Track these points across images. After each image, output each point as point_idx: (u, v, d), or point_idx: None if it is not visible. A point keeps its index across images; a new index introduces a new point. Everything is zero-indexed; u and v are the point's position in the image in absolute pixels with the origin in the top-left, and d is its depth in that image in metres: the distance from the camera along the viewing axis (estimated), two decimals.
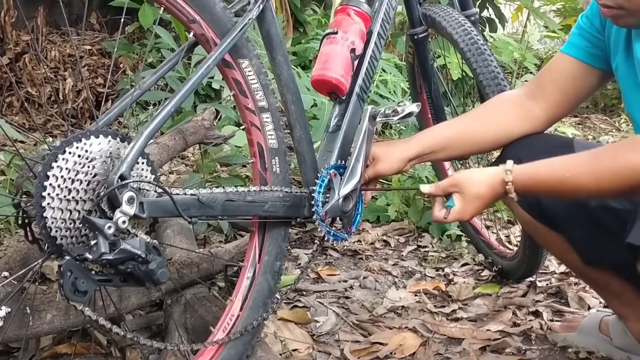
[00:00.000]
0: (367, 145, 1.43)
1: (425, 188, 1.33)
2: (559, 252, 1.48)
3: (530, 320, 1.73)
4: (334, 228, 1.42)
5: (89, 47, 4.03)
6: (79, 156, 1.07)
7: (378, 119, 1.46)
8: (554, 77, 1.44)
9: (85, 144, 1.08)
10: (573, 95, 1.44)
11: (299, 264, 2.12)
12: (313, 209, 1.37)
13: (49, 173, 1.03)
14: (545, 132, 1.48)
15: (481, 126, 1.47)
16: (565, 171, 1.18)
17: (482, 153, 1.74)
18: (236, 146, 2.67)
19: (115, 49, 3.94)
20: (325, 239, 1.40)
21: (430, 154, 1.47)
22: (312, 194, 1.38)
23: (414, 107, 1.44)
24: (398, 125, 3.13)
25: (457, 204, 1.27)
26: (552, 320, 1.72)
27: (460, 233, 2.29)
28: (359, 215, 1.46)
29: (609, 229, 1.27)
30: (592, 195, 1.20)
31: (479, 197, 1.25)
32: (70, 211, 1.06)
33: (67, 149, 1.06)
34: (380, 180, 2.60)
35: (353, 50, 1.50)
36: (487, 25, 4.77)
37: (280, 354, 1.53)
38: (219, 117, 3.11)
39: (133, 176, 1.11)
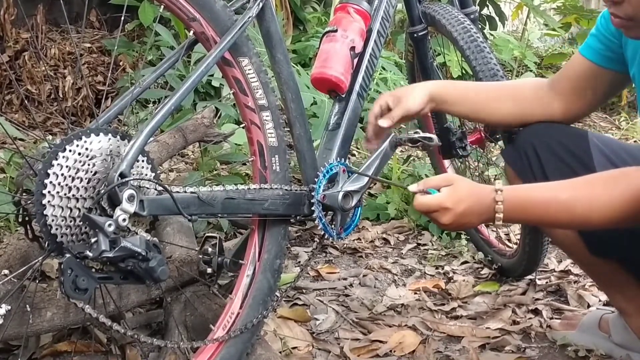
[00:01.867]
0: (379, 164, 1.47)
1: (413, 187, 1.23)
2: (567, 243, 1.47)
3: (530, 318, 1.73)
4: (328, 221, 1.42)
5: (88, 45, 4.03)
6: (79, 154, 1.07)
7: (399, 138, 1.49)
8: (571, 75, 1.46)
9: (85, 142, 1.08)
10: (588, 96, 1.45)
11: (299, 262, 2.13)
12: (314, 188, 1.38)
13: (49, 171, 1.03)
14: None
15: (501, 94, 1.49)
16: (568, 195, 1.15)
17: (492, 124, 1.70)
18: (236, 144, 2.68)
19: (115, 47, 3.94)
20: (315, 223, 1.39)
21: (443, 101, 1.47)
22: (312, 192, 1.38)
23: (434, 135, 1.47)
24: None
25: (442, 192, 1.19)
26: (551, 318, 1.72)
27: (459, 231, 2.29)
28: (352, 224, 1.47)
29: None
30: (595, 224, 1.16)
31: (466, 197, 1.19)
32: (71, 209, 1.07)
33: (67, 147, 1.06)
34: (380, 177, 2.61)
35: (353, 48, 1.50)
36: (487, 23, 4.77)
37: (280, 352, 1.53)
38: (218, 115, 3.11)
39: (133, 174, 1.11)
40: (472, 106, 1.48)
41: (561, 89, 1.46)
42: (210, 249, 1.36)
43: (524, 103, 1.47)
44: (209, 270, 1.37)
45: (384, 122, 1.42)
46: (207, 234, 1.39)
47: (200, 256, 1.37)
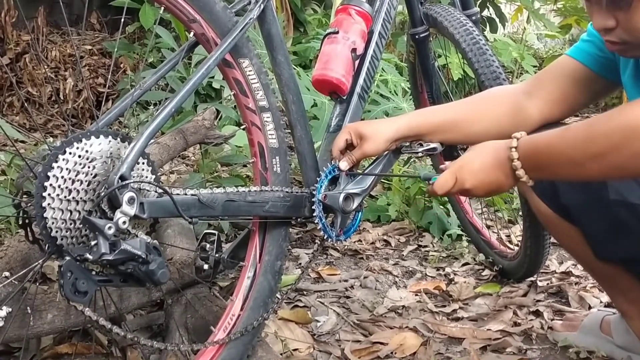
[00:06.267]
0: (383, 168, 1.46)
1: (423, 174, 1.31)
2: (571, 245, 1.46)
3: (531, 320, 1.73)
4: (328, 223, 1.42)
5: (89, 47, 4.04)
6: (80, 156, 1.07)
7: (403, 150, 1.47)
8: (557, 76, 1.43)
9: (85, 144, 1.08)
10: (572, 99, 1.42)
11: (300, 263, 2.12)
12: (315, 187, 1.38)
13: (49, 173, 1.03)
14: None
15: (473, 119, 1.46)
16: (563, 135, 1.11)
17: (469, 144, 1.71)
18: (237, 146, 2.68)
19: (116, 49, 3.95)
20: (315, 222, 1.38)
21: (417, 135, 1.45)
22: (313, 193, 1.38)
23: (437, 144, 1.45)
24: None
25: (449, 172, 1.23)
26: (552, 320, 1.72)
27: (460, 233, 2.28)
28: (353, 227, 1.46)
29: (626, 224, 1.26)
30: (594, 164, 1.09)
31: (480, 166, 1.20)
32: (71, 211, 1.06)
33: (68, 149, 1.06)
34: (382, 180, 2.61)
35: (354, 50, 1.50)
36: (487, 24, 4.77)
37: (281, 354, 1.52)
38: (219, 116, 3.11)
39: (133, 176, 1.11)
40: (448, 134, 1.46)
41: (544, 93, 1.43)
42: (208, 246, 1.36)
43: (501, 119, 1.44)
44: (206, 267, 1.36)
45: (343, 165, 1.41)
46: (206, 231, 1.39)
47: (198, 252, 1.36)
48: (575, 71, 1.40)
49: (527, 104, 1.44)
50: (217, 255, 1.34)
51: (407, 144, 1.46)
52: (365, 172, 1.46)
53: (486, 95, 1.53)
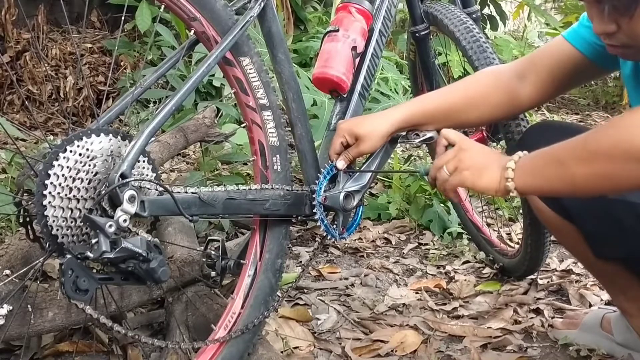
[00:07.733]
0: (380, 161, 1.46)
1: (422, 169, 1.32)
2: (570, 243, 1.47)
3: (532, 318, 1.73)
4: (329, 221, 1.42)
5: (89, 45, 4.04)
6: (80, 154, 1.07)
7: (399, 141, 1.47)
8: (551, 61, 1.43)
9: (86, 142, 1.08)
10: (563, 83, 1.44)
11: (300, 261, 2.13)
12: (315, 188, 1.38)
13: (50, 171, 1.03)
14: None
15: (468, 106, 1.47)
16: (559, 142, 1.12)
17: (462, 129, 1.69)
18: (237, 144, 2.68)
19: (116, 47, 3.94)
20: (318, 224, 1.39)
21: (413, 126, 1.46)
22: (313, 192, 1.38)
23: (434, 133, 1.45)
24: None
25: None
26: (553, 318, 1.72)
27: (461, 231, 2.29)
28: (354, 223, 1.47)
29: (625, 223, 1.26)
30: (593, 184, 1.09)
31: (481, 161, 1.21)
32: (72, 210, 1.06)
33: (68, 148, 1.06)
34: (380, 177, 2.62)
35: (354, 48, 1.50)
36: (487, 22, 4.77)
37: (282, 352, 1.53)
38: (219, 115, 3.11)
39: (134, 174, 1.11)
40: (443, 123, 1.45)
41: (537, 78, 1.43)
42: (213, 252, 1.36)
43: (495, 105, 1.46)
44: (213, 273, 1.37)
45: (340, 164, 1.42)
46: (210, 237, 1.39)
47: (204, 259, 1.37)
48: (570, 57, 1.40)
49: (520, 89, 1.45)
50: (223, 262, 1.35)
51: (404, 134, 1.46)
52: (364, 168, 1.46)
53: (479, 79, 1.53)
